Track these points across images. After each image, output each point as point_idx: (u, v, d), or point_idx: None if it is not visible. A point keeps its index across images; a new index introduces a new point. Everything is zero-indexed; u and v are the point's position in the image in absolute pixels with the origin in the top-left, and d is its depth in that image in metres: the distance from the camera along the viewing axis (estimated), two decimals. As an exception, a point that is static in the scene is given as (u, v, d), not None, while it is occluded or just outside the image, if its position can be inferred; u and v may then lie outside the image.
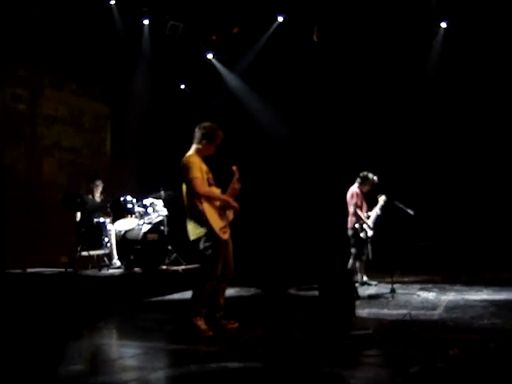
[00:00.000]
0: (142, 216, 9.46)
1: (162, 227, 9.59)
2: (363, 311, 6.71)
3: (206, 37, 11.99)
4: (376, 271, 9.54)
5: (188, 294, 5.93)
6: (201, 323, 5.57)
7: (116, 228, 9.40)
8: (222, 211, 5.73)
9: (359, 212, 8.92)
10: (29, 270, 8.87)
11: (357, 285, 8.71)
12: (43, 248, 9.96)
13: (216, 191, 5.79)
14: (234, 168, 5.95)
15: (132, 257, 9.09)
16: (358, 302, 6.67)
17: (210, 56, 12.54)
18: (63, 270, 8.64)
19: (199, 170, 5.63)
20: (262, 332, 5.72)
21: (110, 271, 9.05)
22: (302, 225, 11.91)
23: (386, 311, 6.80)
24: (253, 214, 11.05)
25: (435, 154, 11.70)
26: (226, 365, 4.50)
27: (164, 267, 9.40)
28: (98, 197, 9.64)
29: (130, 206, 9.41)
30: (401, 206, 8.66)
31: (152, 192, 9.80)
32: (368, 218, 9.01)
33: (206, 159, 5.84)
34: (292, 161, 12.28)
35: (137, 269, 9.04)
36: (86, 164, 11.30)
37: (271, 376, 4.29)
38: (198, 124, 5.90)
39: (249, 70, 12.36)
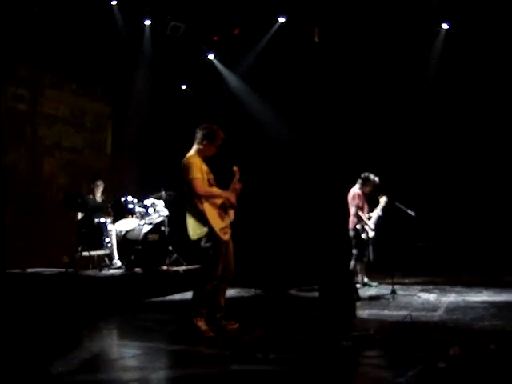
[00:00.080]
0: (142, 216, 9.47)
1: (162, 227, 9.58)
2: (364, 312, 6.70)
3: (207, 37, 11.98)
4: (377, 272, 9.54)
5: (188, 295, 5.93)
6: (201, 324, 5.57)
7: (117, 228, 9.40)
8: (222, 212, 5.74)
9: (360, 213, 8.92)
10: (29, 270, 8.86)
11: (358, 286, 8.73)
12: (43, 248, 9.96)
13: (216, 191, 5.79)
14: (235, 168, 5.96)
15: (133, 257, 9.09)
16: (358, 303, 6.66)
17: (211, 57, 12.54)
18: (63, 270, 8.64)
19: (199, 170, 5.63)
20: (262, 333, 5.72)
21: (111, 271, 9.05)
22: (303, 225, 11.89)
23: (386, 312, 6.80)
24: (253, 215, 11.07)
25: (436, 155, 11.70)
26: (226, 366, 4.50)
27: (165, 268, 9.39)
28: (98, 197, 9.63)
29: (130, 206, 9.42)
30: (401, 207, 8.66)
31: (153, 192, 9.79)
32: (369, 218, 9.01)
33: (206, 160, 5.85)
34: (293, 161, 12.27)
35: (137, 269, 9.04)
36: (86, 164, 11.31)
37: (271, 377, 4.29)
38: (199, 124, 5.91)
39: (250, 71, 12.36)
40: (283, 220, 11.98)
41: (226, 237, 5.71)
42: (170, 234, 9.61)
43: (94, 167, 11.19)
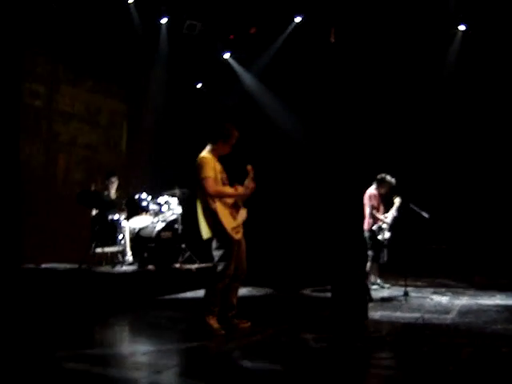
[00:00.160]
0: (156, 214, 9.50)
1: (176, 225, 9.61)
2: (376, 314, 6.68)
3: (223, 36, 12.00)
4: (390, 274, 9.50)
5: (201, 293, 5.94)
6: (213, 322, 5.59)
7: (130, 225, 9.44)
8: (234, 211, 5.74)
9: (376, 214, 8.90)
10: (43, 266, 8.93)
11: (374, 287, 8.72)
12: (58, 244, 10.03)
13: (228, 190, 5.78)
14: (249, 167, 5.95)
15: (146, 254, 9.12)
16: (370, 305, 6.64)
17: (226, 55, 12.56)
18: (77, 266, 8.69)
19: (212, 169, 5.63)
20: (273, 332, 5.72)
21: (124, 268, 9.09)
22: (317, 226, 11.87)
23: (398, 314, 6.77)
24: (267, 214, 11.08)
25: (451, 157, 11.63)
26: (237, 364, 4.52)
27: (177, 265, 9.42)
28: (113, 194, 9.66)
29: (144, 203, 9.46)
30: (416, 208, 8.62)
31: (167, 190, 9.82)
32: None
33: (220, 158, 5.86)
34: (308, 161, 12.25)
35: (150, 266, 9.06)
36: (101, 161, 11.36)
37: (281, 376, 4.29)
38: (213, 123, 5.92)
39: (265, 70, 12.36)
40: (297, 219, 11.98)
41: (238, 236, 5.71)
42: (183, 232, 9.63)
43: (109, 164, 11.23)
